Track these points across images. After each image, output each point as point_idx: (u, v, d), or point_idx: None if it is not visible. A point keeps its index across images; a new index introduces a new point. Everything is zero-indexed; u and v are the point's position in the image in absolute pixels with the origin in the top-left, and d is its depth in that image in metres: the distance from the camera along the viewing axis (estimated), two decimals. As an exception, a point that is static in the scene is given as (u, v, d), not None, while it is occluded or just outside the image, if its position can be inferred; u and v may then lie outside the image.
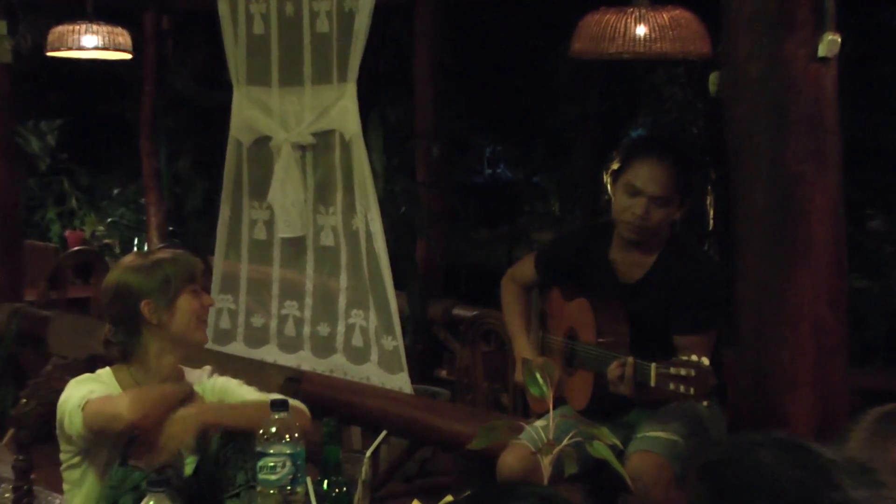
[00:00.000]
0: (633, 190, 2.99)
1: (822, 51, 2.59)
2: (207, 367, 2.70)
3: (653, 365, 2.72)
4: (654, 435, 2.93)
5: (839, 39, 2.59)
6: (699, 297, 3.00)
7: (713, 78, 2.90)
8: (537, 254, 3.45)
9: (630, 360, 2.78)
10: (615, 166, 3.11)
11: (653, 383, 2.71)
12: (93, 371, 2.59)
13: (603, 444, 2.05)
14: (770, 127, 2.68)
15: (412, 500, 2.27)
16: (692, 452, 2.94)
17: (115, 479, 2.36)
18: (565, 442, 2.06)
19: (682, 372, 2.64)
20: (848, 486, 1.19)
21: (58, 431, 2.52)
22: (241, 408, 2.52)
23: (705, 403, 2.68)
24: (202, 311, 2.59)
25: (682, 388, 2.64)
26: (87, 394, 2.42)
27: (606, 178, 3.14)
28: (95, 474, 2.49)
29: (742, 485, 1.23)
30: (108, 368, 2.58)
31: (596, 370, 3.01)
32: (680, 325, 2.99)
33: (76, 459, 2.52)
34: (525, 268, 3.39)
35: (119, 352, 2.56)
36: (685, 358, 2.67)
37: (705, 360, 2.62)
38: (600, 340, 3.03)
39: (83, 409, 2.39)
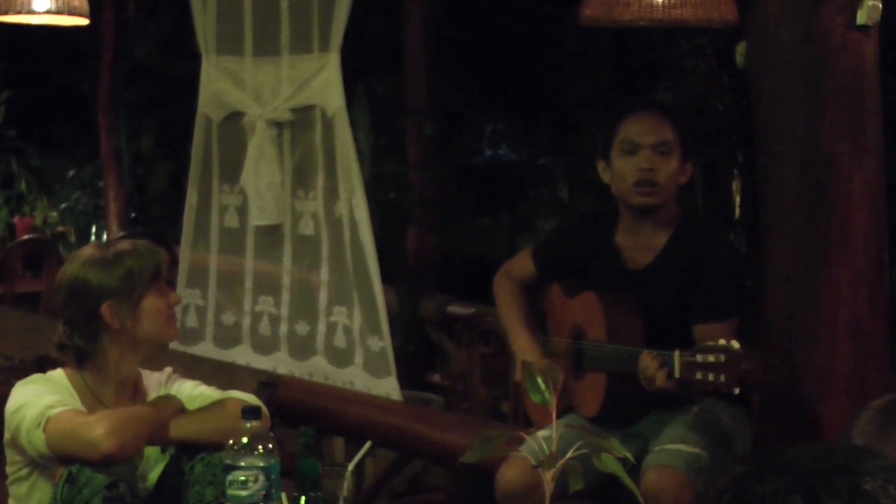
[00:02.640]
0: (630, 146, 3.07)
1: (862, 17, 2.59)
2: (168, 370, 2.70)
3: (676, 353, 2.73)
4: (675, 448, 2.93)
5: (880, 5, 2.59)
6: (717, 279, 3.03)
7: (740, 48, 2.91)
8: (535, 246, 3.46)
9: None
10: (602, 145, 3.17)
11: (677, 374, 2.72)
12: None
13: (612, 457, 2.05)
14: (803, 103, 2.68)
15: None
16: (716, 468, 2.95)
17: (63, 499, 2.35)
18: (570, 455, 2.06)
19: (711, 358, 2.65)
20: None
21: (6, 441, 2.51)
22: (205, 417, 2.52)
23: (737, 391, 2.68)
24: (170, 309, 2.59)
25: (710, 377, 2.65)
26: (44, 408, 2.39)
27: (599, 163, 3.18)
28: (46, 487, 2.49)
29: None
30: (60, 370, 2.57)
31: (609, 370, 3.02)
32: (697, 312, 3.01)
33: (24, 471, 2.51)
34: (522, 262, 3.41)
35: (74, 356, 2.55)
36: (711, 343, 2.68)
37: (735, 343, 2.64)
38: (612, 337, 3.05)
39: (44, 428, 2.38)
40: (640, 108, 3.21)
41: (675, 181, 3.11)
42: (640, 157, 3.05)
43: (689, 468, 2.89)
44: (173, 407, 2.51)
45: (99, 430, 2.33)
